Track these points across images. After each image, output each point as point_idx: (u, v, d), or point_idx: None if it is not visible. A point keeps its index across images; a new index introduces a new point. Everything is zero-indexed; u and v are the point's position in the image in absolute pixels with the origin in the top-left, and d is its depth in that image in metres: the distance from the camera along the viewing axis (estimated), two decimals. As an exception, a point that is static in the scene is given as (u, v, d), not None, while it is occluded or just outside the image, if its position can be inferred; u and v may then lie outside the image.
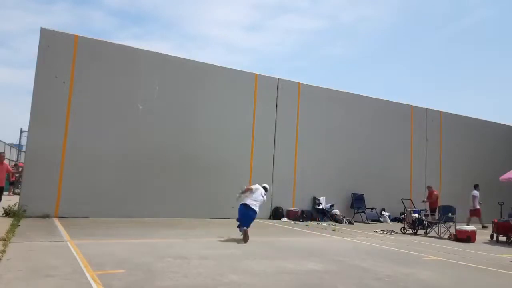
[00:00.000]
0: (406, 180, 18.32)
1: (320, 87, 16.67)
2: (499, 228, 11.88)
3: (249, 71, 15.15)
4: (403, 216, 15.60)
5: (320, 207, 15.73)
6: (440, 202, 15.30)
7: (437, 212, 13.53)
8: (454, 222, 12.35)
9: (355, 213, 16.29)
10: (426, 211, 14.25)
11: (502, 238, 11.80)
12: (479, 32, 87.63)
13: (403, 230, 13.05)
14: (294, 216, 14.89)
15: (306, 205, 15.73)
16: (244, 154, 14.57)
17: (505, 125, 22.01)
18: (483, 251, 9.67)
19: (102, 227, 9.95)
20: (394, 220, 17.05)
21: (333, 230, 12.26)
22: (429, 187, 15.71)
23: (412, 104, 19.01)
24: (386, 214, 16.97)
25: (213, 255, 6.98)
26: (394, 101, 18.61)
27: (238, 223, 9.05)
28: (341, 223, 14.93)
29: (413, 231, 12.81)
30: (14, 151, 32.78)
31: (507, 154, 20.97)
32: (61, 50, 11.89)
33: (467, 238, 11.34)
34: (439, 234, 12.22)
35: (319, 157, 16.11)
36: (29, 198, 11.05)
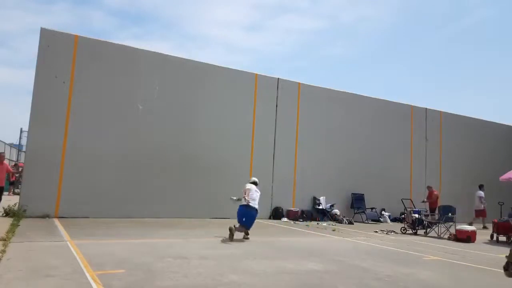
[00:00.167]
0: (406, 180, 18.32)
1: (320, 87, 16.67)
2: (499, 228, 11.88)
3: (249, 71, 15.15)
4: (403, 216, 15.60)
5: (320, 207, 15.72)
6: (440, 202, 15.31)
7: (437, 212, 13.54)
8: (454, 222, 12.35)
9: (355, 213, 16.29)
10: (426, 211, 14.25)
11: (502, 238, 11.80)
12: (479, 32, 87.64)
13: (403, 230, 13.05)
14: (294, 216, 14.89)
15: (306, 205, 15.73)
16: (244, 154, 14.57)
17: (505, 125, 22.01)
18: (483, 251, 9.67)
19: (102, 227, 9.95)
20: (394, 220, 17.05)
21: (333, 230, 12.26)
22: (429, 187, 15.71)
23: (412, 104, 19.02)
24: (386, 214, 16.97)
25: (213, 255, 6.98)
26: (394, 101, 18.62)
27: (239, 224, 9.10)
28: (341, 223, 14.93)
29: (413, 231, 12.81)
30: (14, 151, 32.78)
31: (507, 154, 20.97)
32: (61, 50, 11.89)
33: (467, 238, 11.34)
34: (439, 234, 12.22)
35: (319, 157, 16.11)
36: (29, 198, 11.05)
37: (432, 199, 15.06)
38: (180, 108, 13.60)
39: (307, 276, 5.83)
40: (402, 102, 18.84)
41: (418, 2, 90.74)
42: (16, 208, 10.96)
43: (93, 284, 4.71)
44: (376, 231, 12.86)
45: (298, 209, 15.23)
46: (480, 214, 15.77)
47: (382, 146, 17.73)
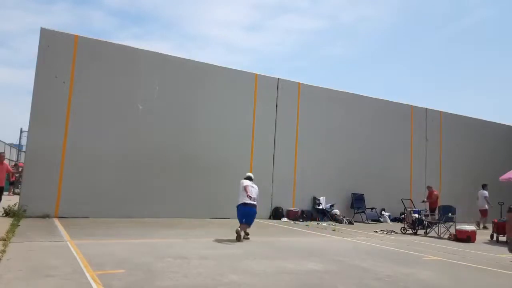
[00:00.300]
0: (406, 180, 18.32)
1: (320, 87, 16.67)
2: (499, 228, 11.89)
3: (249, 71, 15.15)
4: (403, 216, 15.60)
5: (320, 207, 15.73)
6: (440, 202, 15.30)
7: (437, 212, 13.54)
8: (454, 222, 12.36)
9: (355, 213, 16.29)
10: (426, 211, 14.25)
11: (502, 238, 11.80)
12: (479, 32, 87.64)
13: (403, 230, 13.05)
14: (294, 216, 14.89)
15: (306, 205, 15.73)
16: (244, 154, 14.57)
17: (505, 125, 22.01)
18: (483, 251, 9.67)
19: (102, 227, 9.95)
20: (394, 220, 17.06)
21: (333, 230, 12.26)
22: (429, 187, 15.72)
23: (412, 104, 19.02)
24: (386, 214, 16.97)
25: (213, 255, 6.98)
26: (394, 101, 18.62)
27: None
28: (341, 223, 14.93)
29: (413, 231, 12.81)
30: (14, 151, 32.78)
31: (507, 154, 20.97)
32: (61, 50, 11.89)
33: (467, 238, 11.35)
34: (439, 234, 12.23)
35: (319, 157, 16.11)
36: (29, 198, 11.05)
37: (432, 199, 15.06)
38: (180, 108, 13.60)
39: (307, 276, 5.83)
40: (402, 102, 18.85)
41: (418, 2, 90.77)
42: (16, 208, 10.96)
43: (93, 284, 4.71)
44: (376, 231, 12.86)
45: (298, 209, 15.23)
46: (485, 213, 15.77)
47: (382, 146, 17.74)
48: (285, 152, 15.46)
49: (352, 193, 16.68)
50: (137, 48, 13.22)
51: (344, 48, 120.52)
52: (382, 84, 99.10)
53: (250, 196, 9.02)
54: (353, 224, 15.02)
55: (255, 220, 9.40)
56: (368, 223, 15.89)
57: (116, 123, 12.55)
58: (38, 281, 4.78)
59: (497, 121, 21.83)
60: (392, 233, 12.60)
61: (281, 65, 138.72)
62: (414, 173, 18.56)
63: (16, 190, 21.25)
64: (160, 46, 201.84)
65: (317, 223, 14.46)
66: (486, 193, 15.90)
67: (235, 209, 9.22)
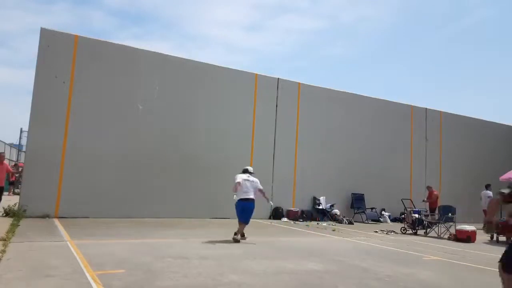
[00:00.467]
0: (406, 180, 18.32)
1: (320, 87, 16.68)
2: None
3: (249, 71, 15.16)
4: (403, 216, 15.60)
5: (320, 207, 15.73)
6: (440, 202, 15.31)
7: (437, 212, 13.54)
8: (454, 222, 12.36)
9: (355, 213, 16.29)
10: (426, 211, 14.25)
11: (502, 238, 11.80)
12: (479, 32, 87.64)
13: (403, 230, 13.05)
14: (294, 216, 14.89)
15: (306, 205, 15.73)
16: (244, 154, 14.56)
17: (505, 125, 22.02)
18: (483, 251, 9.67)
19: (102, 227, 9.95)
20: (394, 220, 17.05)
21: (333, 230, 12.26)
22: (428, 187, 15.72)
23: (412, 104, 19.02)
24: (386, 214, 16.97)
25: (213, 255, 6.98)
26: (394, 101, 18.62)
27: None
28: (341, 223, 14.93)
29: (413, 231, 12.81)
30: (14, 151, 32.77)
31: (507, 154, 20.97)
32: (61, 50, 11.89)
33: (467, 238, 11.35)
34: (439, 234, 12.23)
35: (319, 157, 16.11)
36: (29, 198, 11.05)
37: (432, 199, 15.06)
38: (180, 108, 13.60)
39: (307, 276, 5.83)
40: (402, 102, 18.86)
41: (418, 2, 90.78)
42: (16, 208, 10.96)
43: (93, 284, 4.71)
44: (376, 231, 12.86)
45: (298, 209, 15.23)
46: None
47: (382, 146, 17.74)
48: (285, 152, 15.46)
49: (352, 193, 16.68)
50: (137, 48, 13.22)
51: (344, 48, 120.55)
52: (382, 84, 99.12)
53: (244, 192, 8.76)
54: (353, 224, 15.02)
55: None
56: (368, 223, 15.89)
57: (116, 123, 12.55)
58: (38, 281, 4.77)
59: (497, 121, 21.86)
60: (392, 233, 12.60)
61: (281, 65, 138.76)
62: (414, 173, 18.56)
63: (16, 190, 21.25)
64: (160, 46, 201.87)
65: (317, 223, 14.46)
66: (490, 193, 15.89)
67: (235, 209, 9.12)
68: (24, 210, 10.84)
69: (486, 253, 9.43)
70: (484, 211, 15.92)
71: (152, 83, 13.18)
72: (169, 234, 9.57)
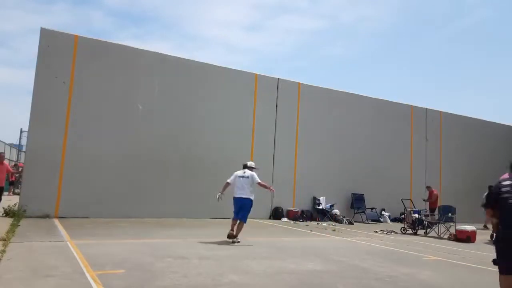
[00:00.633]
0: (406, 180, 18.32)
1: (320, 87, 16.68)
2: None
3: (249, 71, 15.16)
4: (403, 216, 15.60)
5: (320, 207, 15.73)
6: (440, 202, 15.31)
7: (437, 212, 13.54)
8: (454, 222, 12.36)
9: (355, 213, 16.29)
10: (426, 211, 14.26)
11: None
12: (479, 32, 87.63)
13: (403, 230, 13.05)
14: (294, 216, 14.89)
15: (306, 205, 15.73)
16: (244, 154, 14.53)
17: (505, 125, 22.02)
18: (483, 251, 9.66)
19: (102, 227, 9.95)
20: (394, 220, 17.05)
21: (333, 230, 12.26)
22: (428, 187, 15.73)
23: (412, 104, 19.02)
24: (386, 214, 16.97)
25: (213, 255, 6.98)
26: (394, 101, 18.62)
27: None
28: (341, 223, 14.93)
29: (413, 231, 12.81)
30: (14, 151, 32.74)
31: (507, 154, 20.92)
32: (61, 50, 11.89)
33: (467, 238, 11.35)
34: (439, 234, 12.23)
35: (319, 157, 16.11)
36: (29, 198, 11.05)
37: (432, 198, 15.07)
38: (180, 108, 13.60)
39: (307, 276, 5.83)
40: (402, 102, 18.85)
41: (418, 2, 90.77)
42: (16, 208, 10.95)
43: (93, 284, 4.71)
44: (376, 231, 12.86)
45: (298, 209, 15.23)
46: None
47: (382, 146, 17.74)
48: (285, 152, 15.46)
49: (352, 193, 16.68)
50: (137, 48, 13.22)
51: (344, 48, 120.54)
52: (382, 84, 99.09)
53: (238, 189, 8.61)
54: (353, 224, 15.02)
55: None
56: (368, 223, 15.89)
57: (116, 123, 12.55)
58: (38, 281, 4.78)
59: (497, 121, 21.86)
60: (392, 233, 12.60)
61: (281, 65, 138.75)
62: (414, 173, 18.56)
63: (16, 190, 21.24)
64: (160, 46, 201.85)
65: (317, 223, 14.46)
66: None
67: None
68: (24, 210, 10.84)
69: (486, 253, 9.42)
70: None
71: (152, 83, 13.18)
72: (169, 234, 9.57)
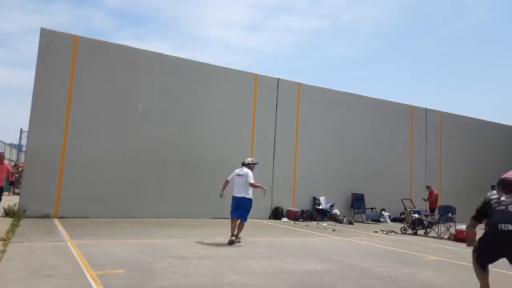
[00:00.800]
0: (406, 180, 18.32)
1: (320, 87, 16.68)
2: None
3: (249, 71, 15.16)
4: (403, 216, 15.61)
5: (320, 207, 15.73)
6: (440, 202, 15.31)
7: (437, 212, 13.54)
8: (454, 222, 12.36)
9: (355, 213, 16.29)
10: (426, 211, 14.26)
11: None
12: (479, 32, 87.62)
13: (403, 230, 13.05)
14: (294, 216, 14.89)
15: (306, 205, 15.73)
16: (244, 154, 14.49)
17: (505, 125, 22.02)
18: (483, 251, 9.66)
19: (102, 227, 9.95)
20: (394, 220, 17.05)
21: (333, 230, 12.26)
22: (428, 187, 15.73)
23: (412, 104, 19.02)
24: (386, 214, 16.97)
25: (213, 255, 6.98)
26: (394, 101, 18.62)
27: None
28: (341, 223, 14.93)
29: (413, 231, 12.81)
30: (14, 151, 32.74)
31: (507, 154, 20.97)
32: (61, 50, 11.89)
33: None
34: (439, 234, 12.23)
35: (319, 157, 16.11)
36: (29, 198, 11.05)
37: (432, 198, 15.07)
38: (180, 108, 13.61)
39: (307, 276, 5.83)
40: (402, 102, 18.85)
41: (418, 2, 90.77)
42: (16, 208, 10.95)
43: (93, 284, 4.71)
44: (376, 231, 12.86)
45: (298, 209, 15.23)
46: None
47: (382, 146, 17.74)
48: (285, 152, 15.46)
49: (352, 193, 16.68)
50: (137, 48, 13.22)
51: (344, 48, 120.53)
52: (382, 84, 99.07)
53: (235, 187, 8.52)
54: (353, 224, 15.03)
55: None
56: (368, 223, 15.90)
57: (116, 123, 12.55)
58: (38, 281, 4.77)
59: (497, 121, 21.86)
60: (392, 233, 12.60)
61: (281, 65, 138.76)
62: (414, 173, 18.56)
63: (16, 190, 21.24)
64: (159, 46, 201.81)
65: (317, 223, 14.47)
66: (495, 193, 15.91)
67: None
68: (24, 210, 10.84)
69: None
70: None
71: (152, 83, 13.18)
72: (169, 234, 9.57)
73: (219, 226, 11.10)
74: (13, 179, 21.15)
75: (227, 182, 8.84)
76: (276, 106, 15.45)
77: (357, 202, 16.58)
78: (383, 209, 17.21)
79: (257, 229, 11.32)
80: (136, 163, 12.70)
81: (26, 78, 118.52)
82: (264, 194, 8.72)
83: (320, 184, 16.05)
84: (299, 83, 16.13)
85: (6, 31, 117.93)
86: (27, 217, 10.68)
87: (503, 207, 4.24)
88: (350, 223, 15.08)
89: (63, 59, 11.89)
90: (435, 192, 15.28)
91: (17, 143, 37.37)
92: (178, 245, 7.87)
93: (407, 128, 18.66)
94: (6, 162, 12.41)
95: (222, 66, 14.64)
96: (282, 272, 5.99)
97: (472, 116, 20.92)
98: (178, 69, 13.68)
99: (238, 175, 8.64)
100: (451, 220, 12.36)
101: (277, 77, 15.71)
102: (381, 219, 16.74)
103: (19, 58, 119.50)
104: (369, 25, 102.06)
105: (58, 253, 6.43)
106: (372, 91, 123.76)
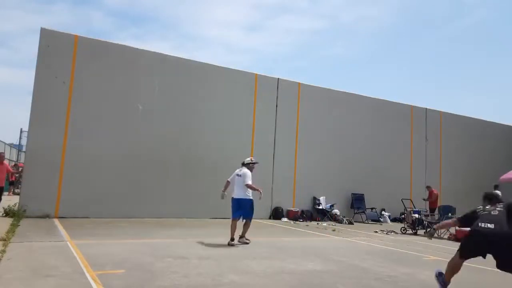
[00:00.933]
0: (406, 180, 18.32)
1: (320, 87, 16.68)
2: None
3: (249, 71, 15.16)
4: (403, 216, 15.60)
5: (320, 207, 15.73)
6: (440, 202, 15.31)
7: (437, 212, 13.54)
8: (454, 222, 12.33)
9: (355, 213, 16.29)
10: (426, 211, 14.25)
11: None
12: (479, 32, 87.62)
13: (403, 230, 13.05)
14: (294, 216, 14.89)
15: (306, 205, 15.73)
16: (244, 154, 14.48)
17: (505, 125, 22.02)
18: (483, 251, 9.66)
19: (102, 227, 9.95)
20: (394, 220, 17.05)
21: (333, 230, 12.26)
22: (428, 187, 15.73)
23: (412, 104, 19.02)
24: (386, 214, 16.97)
25: (213, 255, 6.98)
26: (394, 101, 18.62)
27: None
28: (341, 223, 14.93)
29: (413, 231, 12.81)
30: (14, 151, 32.74)
31: (507, 154, 20.97)
32: (61, 50, 11.89)
33: (467, 238, 11.33)
34: (439, 234, 12.23)
35: (319, 157, 16.11)
36: (29, 198, 11.05)
37: (432, 198, 15.07)
38: (180, 108, 13.61)
39: (307, 276, 5.83)
40: (402, 102, 18.85)
41: (418, 2, 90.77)
42: (16, 208, 10.96)
43: (93, 284, 4.71)
44: (376, 231, 12.86)
45: (298, 209, 15.23)
46: None
47: (382, 146, 17.74)
48: (285, 152, 15.46)
49: (352, 193, 16.68)
50: (137, 48, 13.22)
51: (344, 48, 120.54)
52: (382, 84, 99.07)
53: (235, 189, 8.48)
54: (353, 224, 15.02)
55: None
56: (368, 223, 15.89)
57: (116, 123, 12.55)
58: (38, 281, 4.78)
59: (497, 121, 21.86)
60: (392, 233, 12.60)
61: (281, 65, 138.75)
62: (414, 173, 18.56)
63: (16, 190, 21.24)
64: (159, 46, 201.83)
65: (317, 223, 14.47)
66: (498, 193, 15.97)
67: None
68: (24, 210, 10.84)
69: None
70: None
71: (152, 83, 13.18)
72: (169, 234, 9.57)
73: (219, 226, 11.10)
74: (13, 179, 21.15)
75: (228, 183, 8.84)
76: (276, 106, 15.45)
77: (357, 202, 16.58)
78: (383, 209, 17.21)
79: (257, 229, 11.31)
80: (136, 163, 12.71)
81: (26, 78, 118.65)
82: (260, 198, 8.48)
83: (320, 184, 16.05)
84: (299, 83, 16.13)
85: (6, 31, 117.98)
86: (27, 217, 10.68)
87: (486, 212, 4.97)
88: (350, 223, 15.08)
89: (63, 59, 11.89)
90: (435, 192, 15.28)
91: (17, 143, 37.38)
92: (178, 245, 7.87)
93: (407, 128, 18.66)
94: (6, 162, 12.41)
95: (222, 66, 14.65)
96: (282, 272, 5.99)
97: (472, 116, 20.94)
98: (178, 69, 13.68)
99: (237, 175, 8.61)
100: (451, 220, 12.34)
101: (277, 77, 15.72)
102: (381, 219, 16.74)
103: (19, 58, 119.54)
104: (369, 25, 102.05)
105: (58, 253, 6.43)
106: (372, 91, 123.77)
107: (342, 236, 11.15)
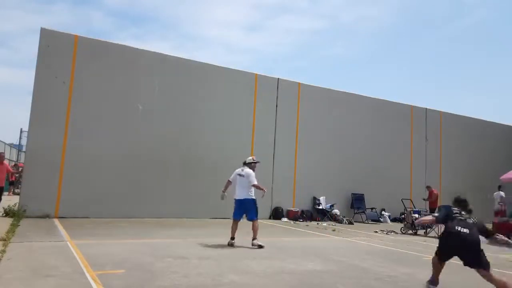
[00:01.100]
0: (406, 180, 18.32)
1: (320, 87, 16.68)
2: (498, 228, 11.88)
3: (249, 71, 15.16)
4: (403, 216, 15.61)
5: (320, 207, 15.73)
6: (440, 202, 15.31)
7: (437, 212, 13.53)
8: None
9: (355, 213, 16.29)
10: (426, 211, 14.25)
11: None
12: (479, 32, 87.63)
13: (403, 230, 13.05)
14: (294, 216, 14.89)
15: (306, 205, 15.73)
16: (244, 154, 14.48)
17: (505, 125, 22.02)
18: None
19: (102, 227, 9.95)
20: (394, 220, 17.05)
21: (333, 230, 12.26)
22: (428, 187, 15.73)
23: (412, 104, 19.02)
24: (386, 214, 16.97)
25: (213, 255, 6.98)
26: (394, 101, 18.62)
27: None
28: (341, 223, 14.93)
29: (413, 231, 12.81)
30: (14, 151, 32.74)
31: (507, 154, 20.97)
32: (61, 50, 11.89)
33: (467, 238, 11.34)
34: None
35: (319, 157, 16.11)
36: (29, 198, 11.05)
37: (432, 198, 15.07)
38: (180, 108, 13.61)
39: (307, 276, 5.83)
40: (402, 102, 18.85)
41: (418, 2, 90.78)
42: (16, 208, 10.96)
43: (93, 284, 4.71)
44: (376, 231, 12.86)
45: (298, 209, 15.23)
46: (498, 214, 15.87)
47: (382, 146, 17.74)
48: (285, 152, 15.46)
49: (352, 193, 16.68)
50: (137, 48, 13.22)
51: (344, 48, 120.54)
52: (382, 84, 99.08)
53: (236, 189, 8.40)
54: (353, 224, 15.02)
55: (258, 220, 8.83)
56: (368, 223, 15.89)
57: (116, 123, 12.56)
58: (38, 281, 4.78)
59: (497, 121, 21.86)
60: (392, 233, 12.60)
61: (281, 65, 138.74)
62: (414, 173, 18.56)
63: (16, 190, 21.24)
64: (159, 46, 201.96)
65: (317, 223, 14.47)
66: (502, 193, 16.03)
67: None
68: (24, 210, 10.84)
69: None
70: (496, 212, 15.98)
71: (152, 83, 13.18)
72: (169, 234, 9.57)
73: (219, 226, 11.10)
74: (13, 179, 21.15)
75: (229, 182, 8.73)
76: (276, 106, 15.45)
77: (357, 202, 16.58)
78: (383, 209, 17.21)
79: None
80: (136, 163, 12.71)
81: (26, 78, 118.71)
82: (263, 196, 8.51)
83: (320, 184, 16.05)
84: (299, 83, 16.13)
85: (6, 31, 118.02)
86: (27, 217, 10.68)
87: (463, 219, 5.64)
88: (350, 223, 15.08)
89: (63, 59, 11.89)
90: (435, 192, 15.28)
91: (17, 143, 37.38)
92: (178, 245, 7.87)
93: (407, 128, 18.66)
94: (6, 162, 12.41)
95: (222, 66, 14.65)
96: (282, 272, 5.99)
97: (472, 116, 20.94)
98: (178, 69, 13.68)
99: (240, 175, 8.49)
100: (451, 220, 12.34)
101: (277, 77, 15.72)
102: (381, 219, 16.74)
103: (19, 58, 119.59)
104: (369, 25, 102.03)
105: (58, 253, 6.43)
106: (372, 91, 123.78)
107: (342, 236, 11.15)
